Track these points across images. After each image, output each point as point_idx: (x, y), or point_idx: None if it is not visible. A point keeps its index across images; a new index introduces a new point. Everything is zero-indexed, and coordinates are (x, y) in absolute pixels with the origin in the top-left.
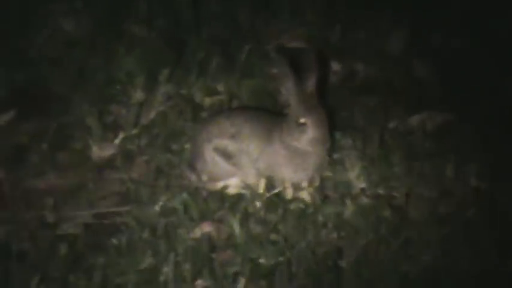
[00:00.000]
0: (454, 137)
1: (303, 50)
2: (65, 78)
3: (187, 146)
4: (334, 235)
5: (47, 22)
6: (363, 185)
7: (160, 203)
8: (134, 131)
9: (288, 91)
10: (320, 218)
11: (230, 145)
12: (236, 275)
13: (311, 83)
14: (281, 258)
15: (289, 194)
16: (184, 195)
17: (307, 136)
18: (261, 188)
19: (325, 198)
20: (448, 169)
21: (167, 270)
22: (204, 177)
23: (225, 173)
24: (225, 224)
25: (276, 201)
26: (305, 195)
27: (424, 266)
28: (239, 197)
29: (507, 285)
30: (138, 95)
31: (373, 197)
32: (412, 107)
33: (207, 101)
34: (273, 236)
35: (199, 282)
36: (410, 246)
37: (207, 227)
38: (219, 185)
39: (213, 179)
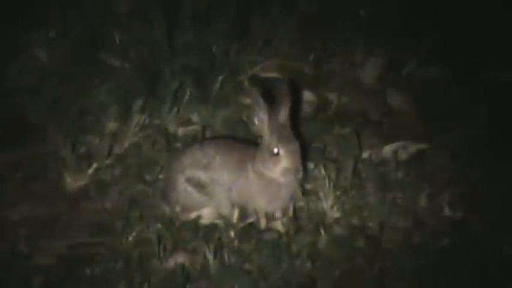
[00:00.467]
0: (428, 167)
1: (276, 80)
2: (39, 108)
3: (161, 176)
4: (309, 265)
5: (22, 52)
6: (336, 215)
7: (134, 234)
8: (108, 161)
9: (261, 121)
10: (294, 248)
11: (203, 175)
12: None
13: (284, 113)
14: None
15: (262, 223)
16: (158, 225)
17: (280, 166)
18: (235, 218)
19: (298, 228)
20: (422, 199)
21: None
22: (178, 208)
23: (198, 203)
24: (199, 254)
25: (249, 231)
26: (279, 225)
27: None
28: (213, 227)
29: None
30: (112, 125)
31: (347, 227)
32: (385, 137)
33: (181, 131)
34: (247, 266)
35: None
36: (385, 276)
37: (181, 258)
38: (193, 215)
39: (187, 209)
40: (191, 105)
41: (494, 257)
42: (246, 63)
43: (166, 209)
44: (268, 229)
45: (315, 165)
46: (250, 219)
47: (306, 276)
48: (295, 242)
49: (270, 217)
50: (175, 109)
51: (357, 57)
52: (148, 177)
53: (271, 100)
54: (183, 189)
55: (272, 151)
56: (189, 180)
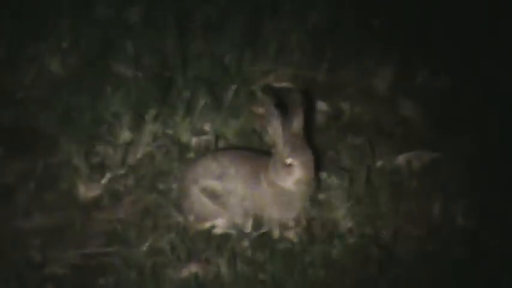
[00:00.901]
0: (441, 176)
1: (290, 89)
2: (52, 118)
3: (174, 186)
4: (322, 274)
5: (34, 62)
6: (349, 224)
7: (148, 243)
8: (121, 171)
9: (274, 131)
10: (307, 258)
11: (217, 185)
12: None
13: (297, 123)
14: None
15: (276, 233)
16: (172, 235)
17: (293, 177)
18: (248, 227)
19: (312, 238)
20: (435, 208)
21: None
22: (191, 217)
23: (212, 213)
24: (213, 263)
25: (263, 240)
26: (292, 234)
27: None
28: (226, 236)
29: None
30: (125, 135)
31: (360, 236)
32: (398, 146)
33: (194, 140)
34: (261, 276)
35: None
36: (398, 285)
37: (194, 267)
38: (206, 224)
39: (200, 219)
40: (204, 114)
41: (508, 266)
42: (258, 73)
43: (180, 219)
44: (282, 239)
45: (328, 175)
46: (264, 229)
47: (320, 285)
48: (308, 252)
49: (283, 227)
50: (188, 119)
51: (370, 67)
52: (161, 186)
53: (284, 110)
54: (197, 199)
55: (285, 161)
56: (203, 190)
